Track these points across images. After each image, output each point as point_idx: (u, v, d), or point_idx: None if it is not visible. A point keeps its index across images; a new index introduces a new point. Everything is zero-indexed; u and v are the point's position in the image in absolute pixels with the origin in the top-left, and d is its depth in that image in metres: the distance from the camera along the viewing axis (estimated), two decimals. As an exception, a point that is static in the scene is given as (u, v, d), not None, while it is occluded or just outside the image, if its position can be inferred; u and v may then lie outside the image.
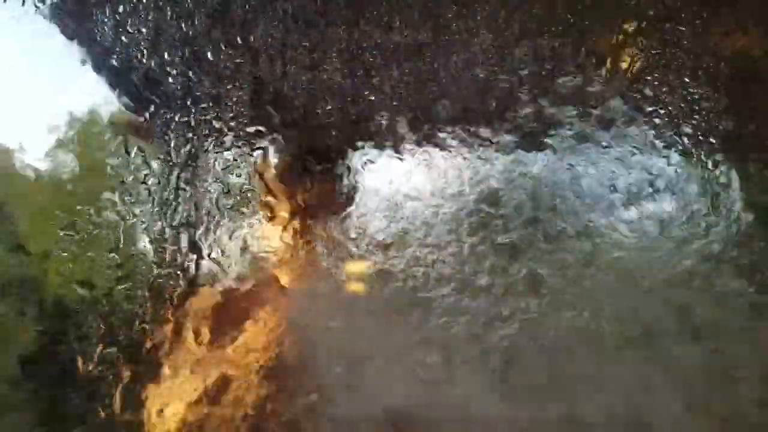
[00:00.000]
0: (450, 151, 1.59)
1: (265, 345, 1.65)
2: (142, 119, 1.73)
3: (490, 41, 1.54)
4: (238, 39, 1.66)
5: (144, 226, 1.72)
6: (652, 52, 1.48)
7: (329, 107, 1.64)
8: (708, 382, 1.41)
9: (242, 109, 1.68)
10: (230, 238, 1.68)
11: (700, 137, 1.46)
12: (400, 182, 1.62)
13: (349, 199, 1.64)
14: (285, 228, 1.67)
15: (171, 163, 1.72)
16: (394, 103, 1.61)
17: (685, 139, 1.47)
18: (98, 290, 1.70)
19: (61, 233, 1.72)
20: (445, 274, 1.56)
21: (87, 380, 1.68)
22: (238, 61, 1.67)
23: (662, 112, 1.48)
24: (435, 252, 1.57)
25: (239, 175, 1.69)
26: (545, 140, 1.53)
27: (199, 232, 1.70)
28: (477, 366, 1.52)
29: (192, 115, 1.71)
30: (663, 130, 1.48)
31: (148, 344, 1.68)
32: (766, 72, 1.44)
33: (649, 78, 1.48)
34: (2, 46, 1.79)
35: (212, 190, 1.70)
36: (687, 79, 1.46)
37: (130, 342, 1.68)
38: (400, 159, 1.62)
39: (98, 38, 1.72)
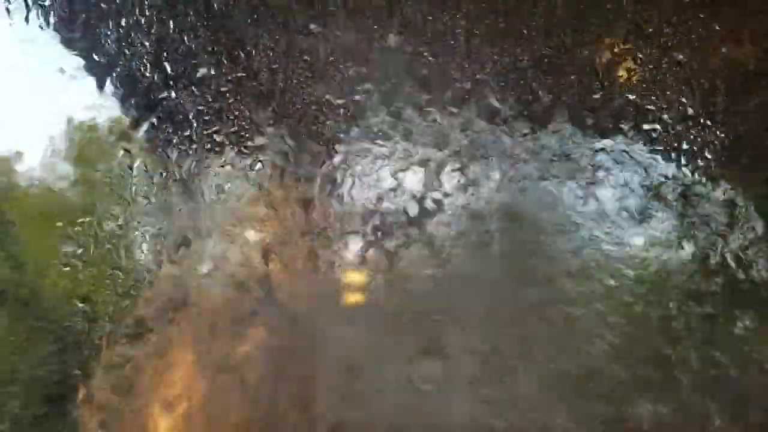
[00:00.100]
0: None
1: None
2: (144, 130, 1.73)
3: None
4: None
5: (145, 237, 1.72)
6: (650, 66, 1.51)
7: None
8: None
9: (243, 123, 1.69)
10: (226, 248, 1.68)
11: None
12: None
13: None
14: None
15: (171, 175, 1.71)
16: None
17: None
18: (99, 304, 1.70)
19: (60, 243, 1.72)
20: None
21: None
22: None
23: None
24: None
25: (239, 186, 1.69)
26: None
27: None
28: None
29: (194, 129, 1.70)
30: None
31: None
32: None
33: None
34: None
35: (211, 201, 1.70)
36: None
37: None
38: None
39: (100, 51, 1.71)
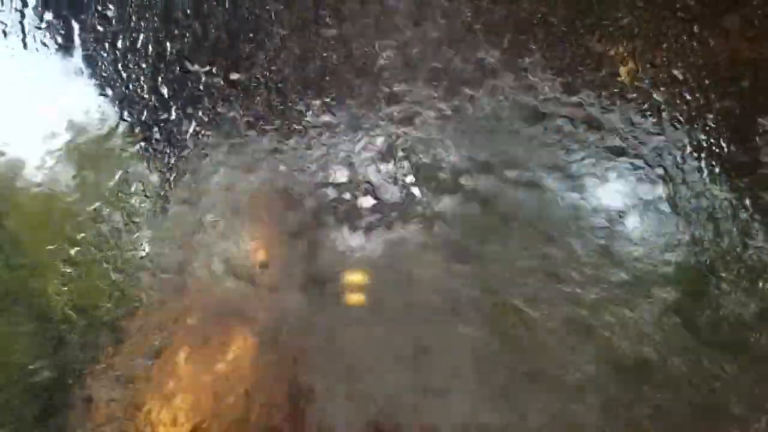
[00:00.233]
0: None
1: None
2: (144, 136, 1.74)
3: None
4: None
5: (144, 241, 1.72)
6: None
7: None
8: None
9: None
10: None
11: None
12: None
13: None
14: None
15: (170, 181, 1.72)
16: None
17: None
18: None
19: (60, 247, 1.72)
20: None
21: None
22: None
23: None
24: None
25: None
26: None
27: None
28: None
29: (193, 136, 1.71)
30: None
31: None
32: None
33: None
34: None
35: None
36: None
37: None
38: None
39: (99, 56, 1.73)
